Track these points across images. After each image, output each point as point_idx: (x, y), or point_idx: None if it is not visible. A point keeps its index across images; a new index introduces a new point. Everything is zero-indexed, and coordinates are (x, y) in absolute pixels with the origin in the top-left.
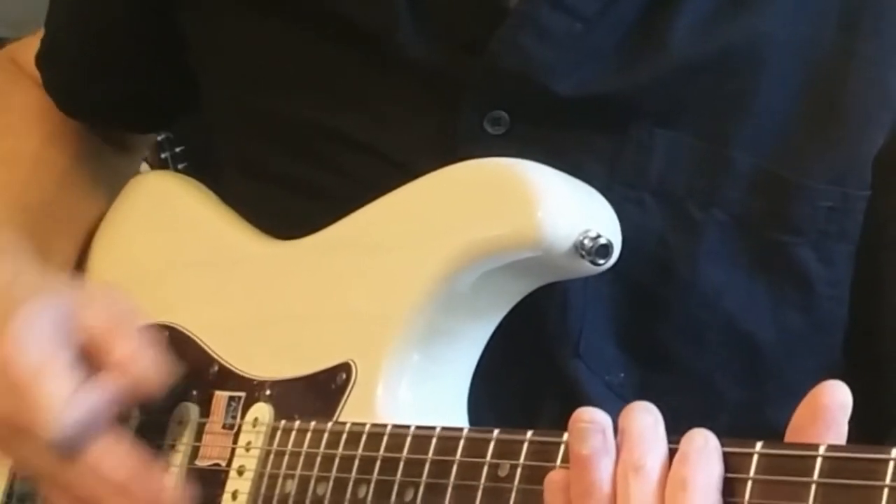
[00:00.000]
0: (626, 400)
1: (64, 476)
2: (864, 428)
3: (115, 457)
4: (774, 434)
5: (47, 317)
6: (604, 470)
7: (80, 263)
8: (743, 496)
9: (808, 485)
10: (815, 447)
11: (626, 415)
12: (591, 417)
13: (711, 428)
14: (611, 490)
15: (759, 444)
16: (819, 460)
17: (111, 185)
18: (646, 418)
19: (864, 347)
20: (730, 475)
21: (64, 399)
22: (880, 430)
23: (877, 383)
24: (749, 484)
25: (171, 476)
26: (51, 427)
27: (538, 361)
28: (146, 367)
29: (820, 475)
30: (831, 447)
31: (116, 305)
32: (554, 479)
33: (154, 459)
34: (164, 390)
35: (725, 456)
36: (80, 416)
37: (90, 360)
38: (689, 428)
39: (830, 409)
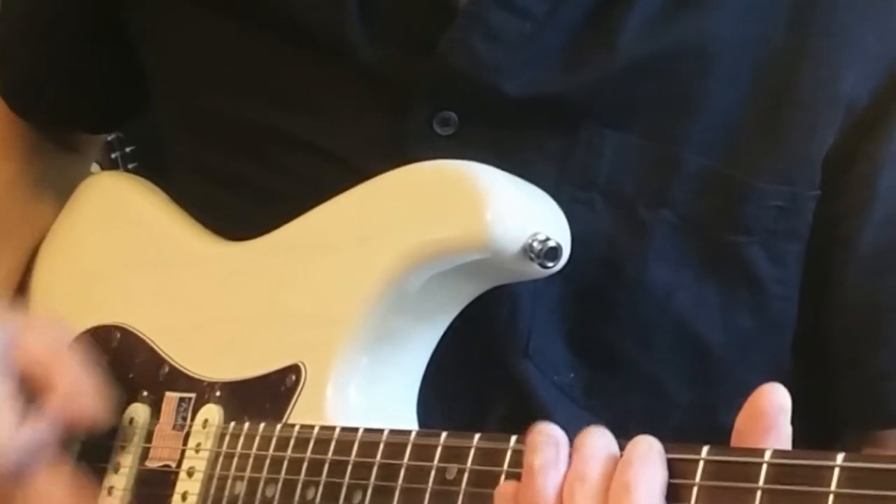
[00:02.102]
0: (576, 400)
1: None
2: (814, 430)
3: (57, 489)
4: (725, 436)
5: None
6: (551, 480)
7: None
8: (688, 501)
9: (753, 491)
10: (761, 452)
11: (582, 435)
12: (548, 431)
13: (661, 430)
14: (556, 501)
15: (704, 450)
16: (764, 466)
17: (61, 190)
18: (599, 440)
19: (813, 348)
20: (675, 481)
21: (8, 431)
22: (830, 431)
23: (826, 385)
24: (695, 490)
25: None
26: None
27: (488, 362)
28: (88, 401)
29: (765, 481)
30: (777, 453)
31: (56, 333)
32: (504, 490)
33: (95, 490)
34: (106, 421)
35: (670, 462)
36: (26, 448)
37: (28, 388)
38: (639, 430)
39: (769, 412)
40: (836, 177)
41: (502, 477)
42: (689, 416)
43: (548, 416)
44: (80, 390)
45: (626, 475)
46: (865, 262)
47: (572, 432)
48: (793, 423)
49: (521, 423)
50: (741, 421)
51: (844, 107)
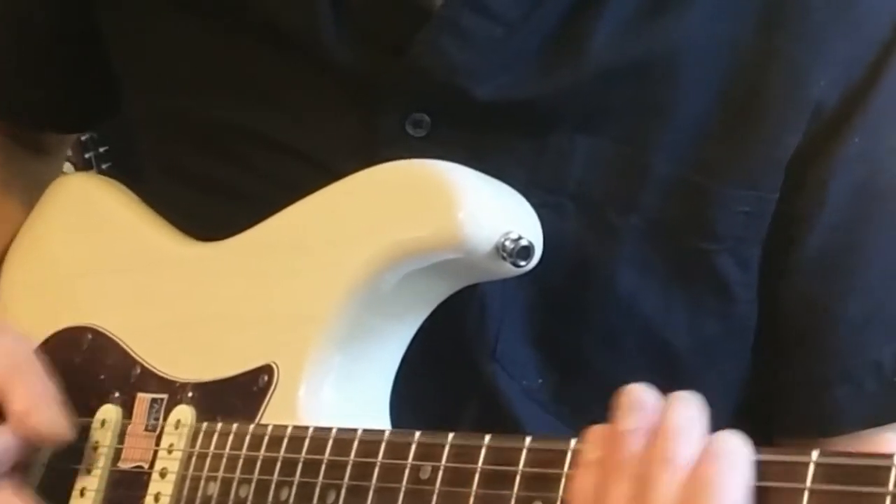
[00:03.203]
0: (543, 405)
1: None
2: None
3: None
4: None
5: None
6: (638, 445)
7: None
8: None
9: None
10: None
11: (668, 405)
12: (639, 394)
13: None
14: (640, 467)
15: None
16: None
17: (29, 191)
18: (685, 412)
19: (763, 351)
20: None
21: None
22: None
23: (772, 390)
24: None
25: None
26: None
27: (458, 365)
28: (46, 415)
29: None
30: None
31: (13, 346)
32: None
33: None
34: (68, 435)
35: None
36: None
37: None
38: None
39: None
40: (794, 178)
41: (476, 475)
42: None
43: (516, 421)
44: (38, 405)
45: (709, 470)
46: (811, 266)
47: None
48: (748, 427)
49: (491, 426)
50: None
51: (812, 110)
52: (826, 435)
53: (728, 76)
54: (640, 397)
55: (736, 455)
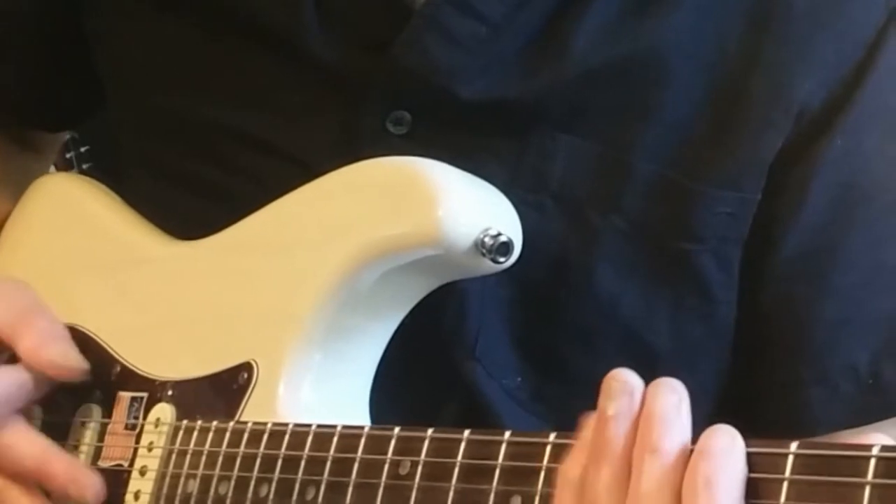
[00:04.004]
0: (523, 404)
1: None
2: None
3: (28, 440)
4: None
5: None
6: (622, 430)
7: None
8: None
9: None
10: (868, 447)
11: (651, 391)
12: (625, 378)
13: None
14: (623, 452)
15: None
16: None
17: (19, 186)
18: (669, 398)
19: (741, 350)
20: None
21: None
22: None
23: (751, 389)
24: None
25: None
26: None
27: (437, 363)
28: (55, 357)
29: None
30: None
31: (22, 297)
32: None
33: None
34: (76, 379)
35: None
36: None
37: None
38: None
39: None
40: (776, 178)
41: (455, 470)
42: None
43: (496, 419)
44: (49, 339)
45: (705, 468)
46: (790, 267)
47: None
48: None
49: (470, 424)
50: None
51: (796, 112)
52: (800, 436)
53: (713, 77)
54: (624, 381)
55: (731, 451)
